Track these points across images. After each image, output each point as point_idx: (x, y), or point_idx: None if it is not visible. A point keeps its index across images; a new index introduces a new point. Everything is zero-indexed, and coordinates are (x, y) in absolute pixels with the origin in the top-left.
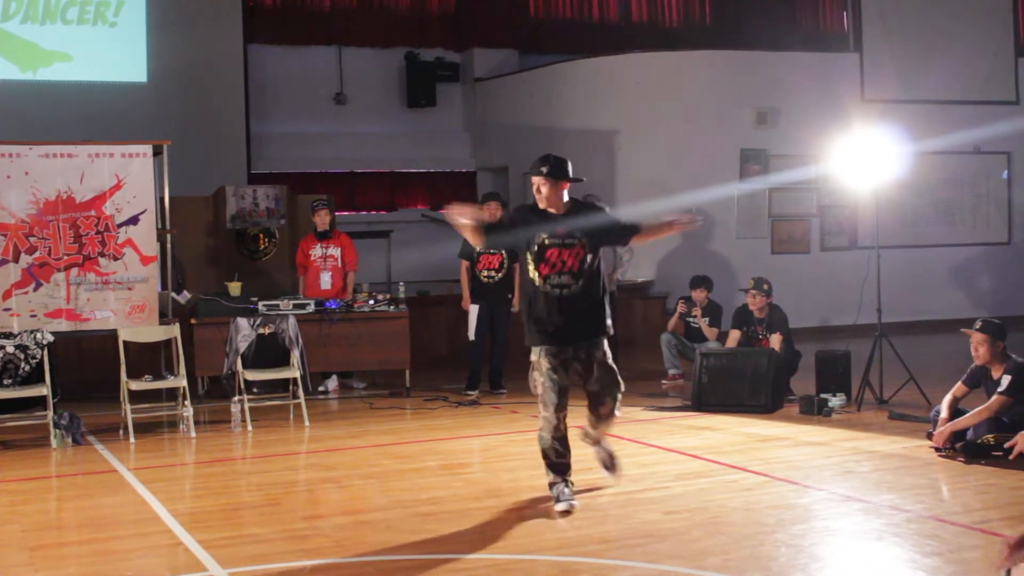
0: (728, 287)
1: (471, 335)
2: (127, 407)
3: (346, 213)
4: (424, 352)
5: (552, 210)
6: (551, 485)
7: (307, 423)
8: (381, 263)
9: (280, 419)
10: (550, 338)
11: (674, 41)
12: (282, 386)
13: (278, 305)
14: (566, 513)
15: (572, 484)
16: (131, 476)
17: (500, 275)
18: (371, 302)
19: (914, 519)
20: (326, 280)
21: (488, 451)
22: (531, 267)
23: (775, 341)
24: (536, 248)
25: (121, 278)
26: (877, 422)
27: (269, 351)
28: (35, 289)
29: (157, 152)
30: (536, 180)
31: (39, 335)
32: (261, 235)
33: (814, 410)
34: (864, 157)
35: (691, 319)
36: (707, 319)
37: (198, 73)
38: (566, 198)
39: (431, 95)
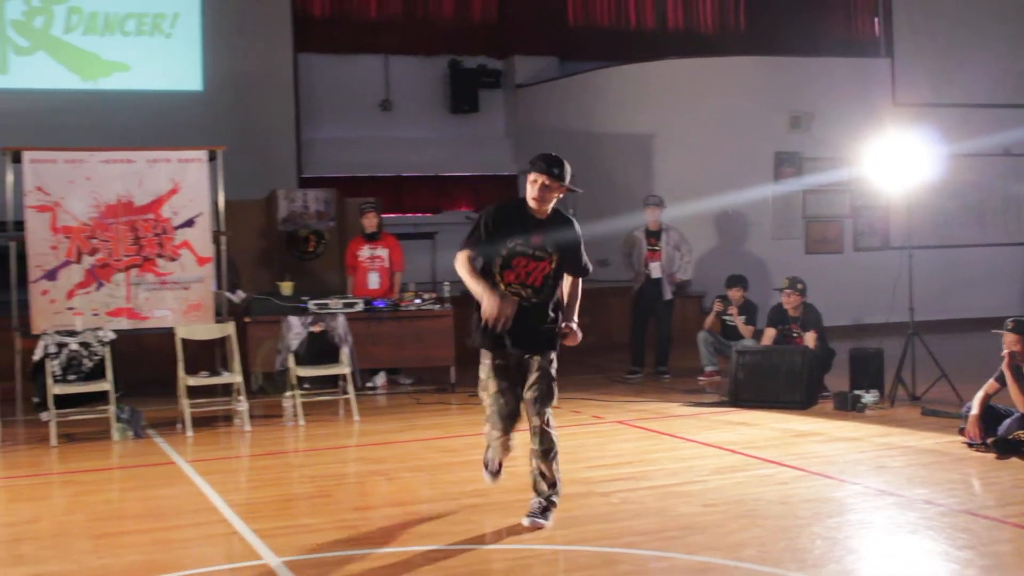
0: (763, 286)
1: None
2: (184, 402)
3: (393, 215)
4: (468, 349)
5: (537, 214)
6: (490, 464)
7: (356, 418)
8: (426, 263)
9: (330, 414)
10: (499, 345)
11: (709, 47)
12: (332, 382)
13: (328, 304)
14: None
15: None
16: (189, 468)
17: None
18: (417, 301)
19: (947, 513)
20: (374, 280)
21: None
22: (496, 269)
23: (809, 339)
24: (505, 252)
25: (178, 278)
26: (910, 418)
27: (320, 348)
28: (97, 289)
29: (212, 157)
30: (540, 178)
31: (101, 333)
32: (311, 237)
33: (848, 406)
34: (896, 160)
35: (727, 317)
36: (743, 317)
37: (251, 82)
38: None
39: (474, 101)
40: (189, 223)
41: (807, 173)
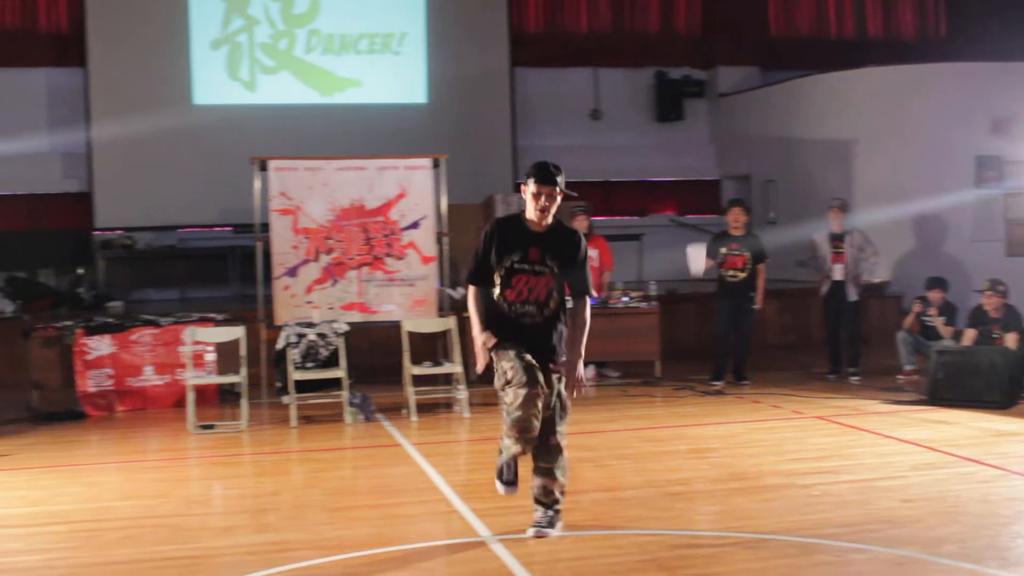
0: (962, 288)
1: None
2: (410, 389)
3: (602, 218)
4: (672, 345)
5: (536, 227)
6: (504, 471)
7: None
8: (633, 263)
9: None
10: (515, 344)
11: (909, 54)
12: None
13: None
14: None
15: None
16: (413, 450)
17: (744, 275)
18: (625, 299)
19: None
20: None
21: (732, 437)
22: (497, 288)
23: (1011, 340)
24: (504, 271)
25: (404, 276)
26: None
27: None
28: (332, 285)
29: (435, 164)
30: (545, 190)
31: (336, 325)
32: None
33: None
34: None
35: (927, 318)
36: (943, 318)
37: (471, 94)
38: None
39: (679, 110)
40: (415, 225)
41: (1009, 176)
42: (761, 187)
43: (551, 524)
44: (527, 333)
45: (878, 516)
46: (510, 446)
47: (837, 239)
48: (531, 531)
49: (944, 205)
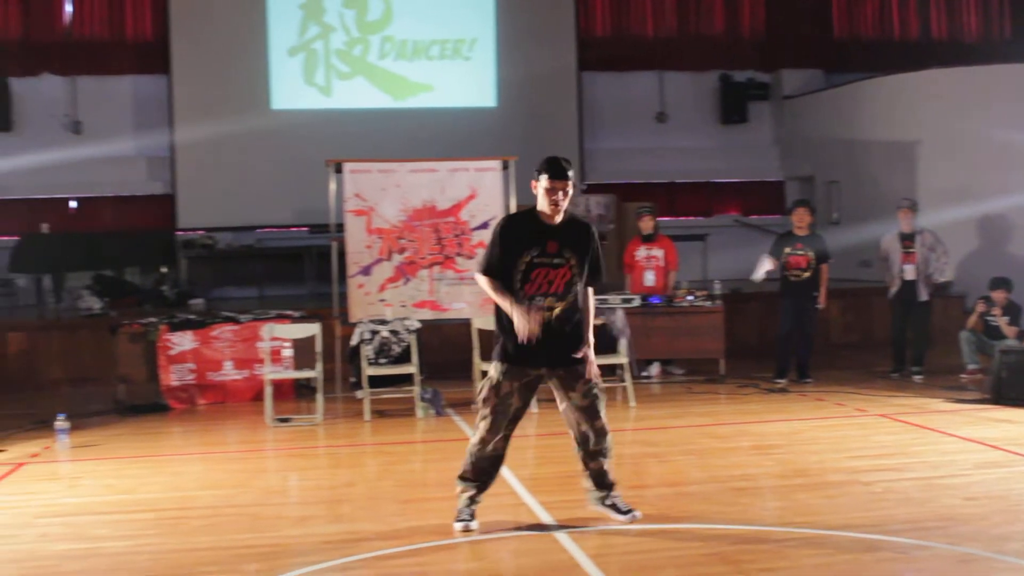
0: None
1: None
2: (479, 385)
3: (667, 219)
4: (736, 343)
5: (550, 221)
6: (460, 495)
7: (632, 404)
8: (698, 263)
9: (608, 399)
10: (522, 359)
11: (973, 56)
12: (610, 371)
13: (607, 299)
14: (466, 531)
15: (478, 503)
16: None
17: (807, 274)
18: (689, 298)
19: None
20: (649, 278)
21: (795, 434)
22: (516, 283)
23: None
24: (523, 266)
25: (475, 275)
26: None
27: (599, 339)
28: (404, 283)
29: (505, 166)
30: (560, 185)
31: (408, 322)
32: None
33: None
34: None
35: (990, 318)
36: (1006, 318)
37: (539, 98)
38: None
39: (743, 112)
40: (484, 225)
41: None
42: (824, 188)
43: (630, 508)
44: (545, 329)
45: (941, 513)
46: (462, 492)
47: (907, 239)
48: (624, 516)
49: (1008, 206)
